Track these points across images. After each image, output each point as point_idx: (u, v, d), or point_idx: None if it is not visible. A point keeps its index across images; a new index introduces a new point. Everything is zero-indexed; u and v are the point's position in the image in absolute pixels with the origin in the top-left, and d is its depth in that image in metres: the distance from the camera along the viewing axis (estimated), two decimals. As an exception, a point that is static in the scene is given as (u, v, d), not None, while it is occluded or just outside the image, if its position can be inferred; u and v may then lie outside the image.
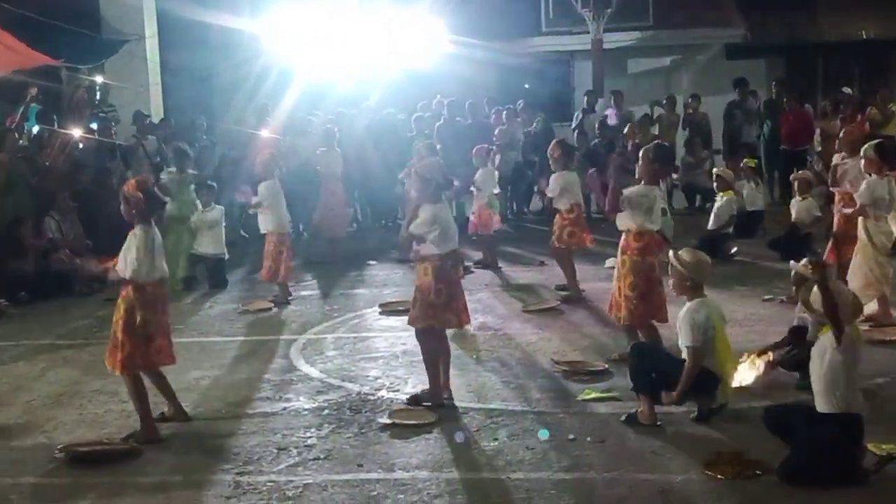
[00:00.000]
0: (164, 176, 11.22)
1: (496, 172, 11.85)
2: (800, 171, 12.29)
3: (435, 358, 6.57)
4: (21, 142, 12.18)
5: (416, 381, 6.97)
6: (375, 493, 5.20)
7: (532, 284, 10.57)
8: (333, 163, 12.76)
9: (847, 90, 16.45)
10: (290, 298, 10.13)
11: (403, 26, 17.49)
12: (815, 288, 5.13)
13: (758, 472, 5.17)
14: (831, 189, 9.15)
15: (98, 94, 15.33)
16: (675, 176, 14.25)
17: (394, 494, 5.17)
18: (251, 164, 11.28)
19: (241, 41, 17.39)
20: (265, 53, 16.89)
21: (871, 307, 8.10)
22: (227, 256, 11.29)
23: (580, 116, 16.68)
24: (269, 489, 5.30)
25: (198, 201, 11.22)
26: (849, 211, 8.62)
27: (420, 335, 6.58)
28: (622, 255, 7.11)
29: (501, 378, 7.16)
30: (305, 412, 6.56)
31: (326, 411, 6.56)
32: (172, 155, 11.88)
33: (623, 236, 7.14)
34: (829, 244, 9.06)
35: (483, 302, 9.80)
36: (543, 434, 5.85)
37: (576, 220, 9.79)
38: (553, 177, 9.86)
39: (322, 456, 5.75)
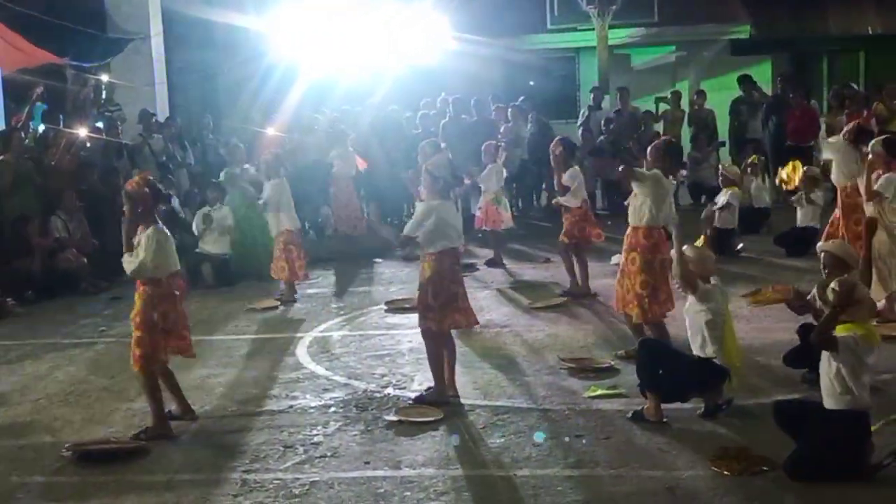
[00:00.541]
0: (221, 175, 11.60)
1: (503, 169, 11.85)
2: (805, 167, 12.25)
3: (437, 356, 6.57)
4: (27, 141, 12.21)
5: (423, 379, 6.98)
6: (382, 490, 5.21)
7: (538, 281, 10.57)
8: (348, 163, 12.83)
9: (853, 86, 16.40)
10: (296, 297, 10.15)
11: (408, 23, 17.49)
12: (833, 284, 5.14)
13: (764, 467, 5.17)
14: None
15: (104, 92, 15.36)
16: (684, 173, 14.21)
17: (400, 492, 5.18)
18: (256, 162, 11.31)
19: (247, 39, 17.39)
20: (270, 51, 16.89)
21: (879, 305, 8.10)
22: (232, 256, 11.30)
23: (586, 113, 16.66)
24: (275, 487, 5.31)
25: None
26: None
27: (423, 333, 6.60)
28: (631, 251, 7.09)
29: (507, 375, 7.16)
30: (312, 410, 6.57)
31: (333, 409, 6.57)
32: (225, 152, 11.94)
33: (631, 233, 7.13)
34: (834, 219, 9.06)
35: (489, 299, 9.81)
36: (539, 437, 5.82)
37: (584, 216, 9.80)
38: (569, 172, 9.83)
39: (329, 453, 5.76)
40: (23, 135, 11.96)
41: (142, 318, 6.11)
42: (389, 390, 6.93)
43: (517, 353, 7.76)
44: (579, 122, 16.42)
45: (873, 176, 8.24)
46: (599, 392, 6.61)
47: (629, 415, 6.06)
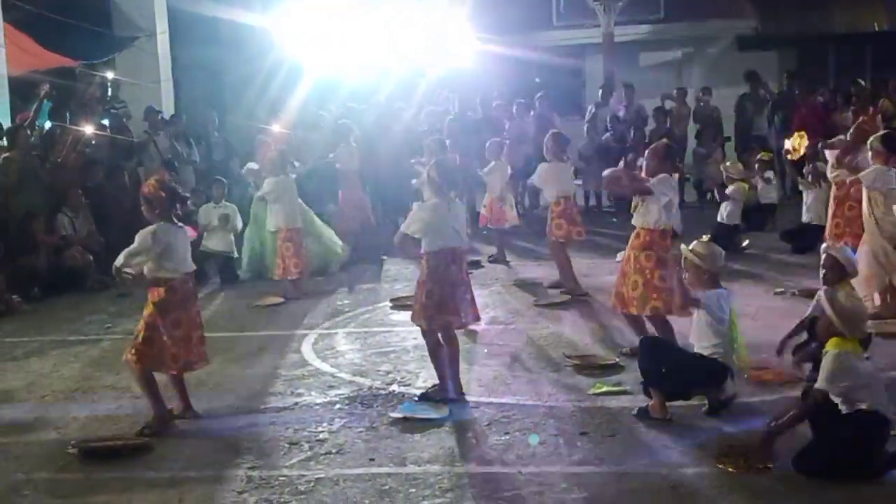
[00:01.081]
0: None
1: (508, 167, 11.84)
2: (812, 164, 12.22)
3: (438, 354, 6.58)
4: (33, 139, 12.23)
5: (427, 376, 6.98)
6: (387, 487, 5.21)
7: (543, 279, 10.56)
8: (351, 157, 12.82)
9: (860, 81, 16.35)
10: (300, 294, 10.15)
11: (413, 21, 17.47)
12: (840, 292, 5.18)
13: (769, 464, 5.16)
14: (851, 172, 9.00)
15: (109, 90, 15.37)
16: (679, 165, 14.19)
17: (405, 488, 5.18)
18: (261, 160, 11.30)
19: (252, 36, 17.38)
20: (276, 49, 16.88)
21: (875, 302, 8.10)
22: (236, 254, 11.30)
23: (593, 110, 16.64)
24: (281, 483, 5.31)
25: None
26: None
27: (424, 332, 6.60)
28: (645, 250, 7.04)
29: (512, 372, 7.16)
30: (317, 407, 6.58)
31: (338, 406, 6.57)
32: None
33: (641, 234, 7.09)
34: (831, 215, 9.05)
35: (494, 296, 9.81)
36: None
37: (563, 213, 9.73)
38: (540, 166, 9.82)
39: (334, 450, 5.77)
40: (29, 132, 11.99)
41: (153, 320, 6.11)
42: (394, 387, 6.94)
43: (522, 351, 7.76)
44: (586, 119, 16.39)
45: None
46: (604, 389, 6.60)
47: (634, 412, 6.06)
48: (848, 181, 8.93)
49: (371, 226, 12.99)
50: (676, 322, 7.00)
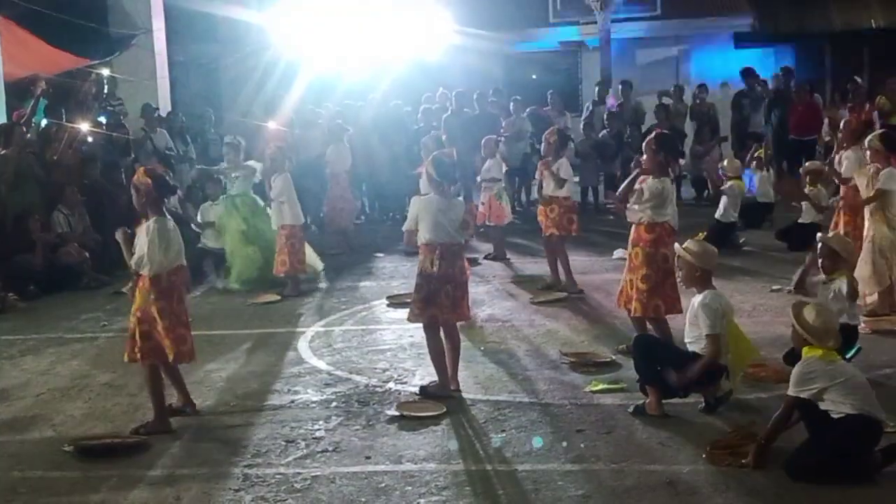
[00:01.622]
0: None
1: (504, 163, 11.83)
2: (809, 161, 12.24)
3: (438, 350, 6.59)
4: (29, 136, 12.21)
5: (424, 373, 6.98)
6: (383, 484, 5.21)
7: (539, 276, 10.55)
8: (342, 158, 12.83)
9: (856, 79, 16.37)
10: (298, 291, 10.15)
11: (410, 18, 17.48)
12: (811, 305, 5.21)
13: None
14: (840, 184, 9.02)
15: (105, 87, 15.36)
16: (681, 162, 14.19)
17: (402, 486, 5.18)
18: (259, 157, 11.28)
19: (249, 33, 17.40)
20: (272, 46, 16.89)
21: (871, 299, 8.11)
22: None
23: (590, 108, 16.64)
24: (277, 481, 5.31)
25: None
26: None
27: (425, 328, 6.61)
28: (634, 246, 7.08)
29: (509, 370, 7.16)
30: (313, 404, 6.57)
31: (334, 403, 6.57)
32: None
33: (634, 228, 7.11)
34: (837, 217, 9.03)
35: (491, 293, 9.81)
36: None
37: (572, 208, 9.77)
38: (561, 162, 9.81)
39: (330, 448, 5.77)
40: (25, 130, 11.97)
41: (143, 313, 6.11)
42: (391, 385, 6.94)
43: (518, 348, 7.76)
44: (583, 117, 16.39)
45: (871, 171, 8.22)
46: (601, 387, 6.61)
47: (630, 409, 6.07)
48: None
49: (356, 224, 13.04)
50: (673, 321, 7.01)
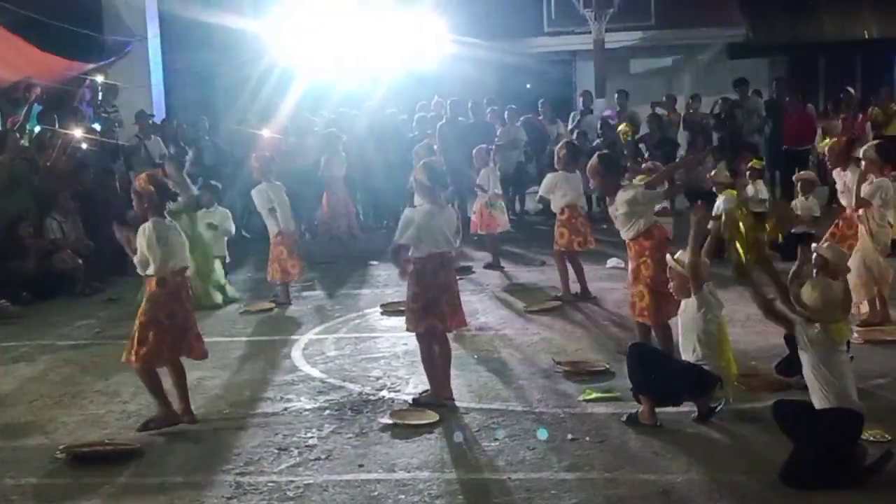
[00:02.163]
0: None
1: (498, 173, 11.84)
2: (802, 171, 12.27)
3: (431, 359, 6.59)
4: (22, 142, 12.21)
5: (418, 382, 6.98)
6: (376, 493, 5.20)
7: (534, 284, 10.57)
8: (337, 167, 12.85)
9: (849, 90, 16.44)
10: (290, 298, 10.13)
11: (405, 26, 17.50)
12: (809, 283, 5.18)
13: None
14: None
15: (100, 94, 15.36)
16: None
17: (395, 495, 5.17)
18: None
19: (244, 41, 17.40)
20: (268, 53, 16.90)
21: (863, 309, 8.13)
22: (227, 259, 11.25)
23: (577, 118, 16.67)
24: (269, 489, 5.30)
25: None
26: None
27: (418, 336, 6.61)
28: (640, 258, 7.03)
29: (502, 378, 7.16)
30: (307, 412, 6.57)
31: (328, 412, 6.57)
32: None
33: (630, 244, 7.09)
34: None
35: (484, 302, 9.81)
36: (542, 434, 5.85)
37: (566, 222, 9.74)
38: (548, 176, 9.83)
39: (323, 456, 5.76)
40: (18, 136, 11.96)
41: (148, 316, 6.14)
42: (384, 393, 6.93)
43: (512, 357, 7.76)
44: (570, 127, 16.38)
45: (865, 182, 8.25)
46: (594, 395, 6.61)
47: (624, 418, 6.07)
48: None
49: (357, 232, 13.03)
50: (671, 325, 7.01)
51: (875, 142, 8.75)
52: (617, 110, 16.63)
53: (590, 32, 18.97)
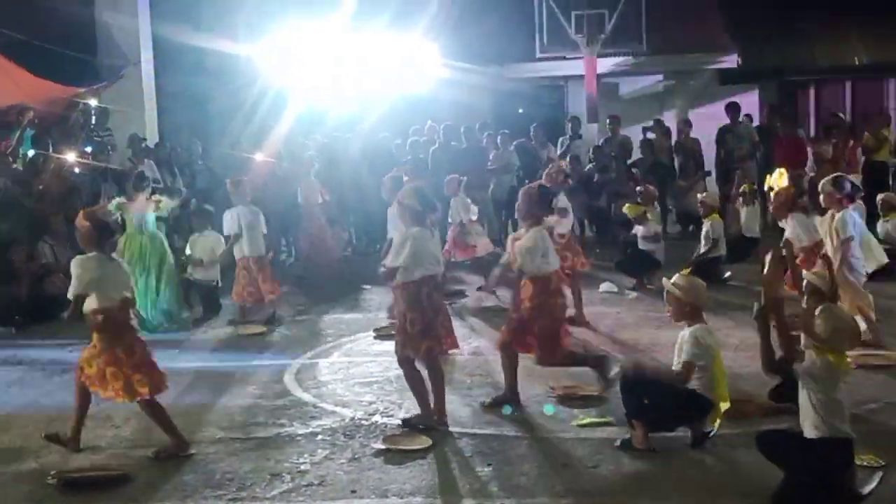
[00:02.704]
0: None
1: (468, 201, 11.87)
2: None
3: (417, 382, 6.59)
4: (15, 166, 12.20)
5: (411, 406, 6.95)
6: (369, 519, 5.18)
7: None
8: (312, 193, 12.93)
9: (839, 115, 16.55)
10: (272, 320, 10.24)
11: (398, 51, 17.58)
12: (818, 311, 5.17)
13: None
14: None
15: (94, 117, 15.37)
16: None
17: (387, 521, 5.15)
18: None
19: (237, 65, 17.46)
20: (261, 77, 16.96)
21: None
22: (220, 284, 11.22)
23: (567, 143, 16.73)
24: (262, 515, 5.28)
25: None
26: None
27: (399, 361, 6.63)
28: (527, 300, 6.95)
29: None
30: (299, 438, 6.54)
31: (320, 437, 6.54)
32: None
33: (523, 281, 7.01)
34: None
35: (478, 325, 9.81)
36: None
37: (568, 246, 9.74)
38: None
39: (315, 482, 5.73)
40: (11, 160, 11.94)
41: (106, 356, 6.14)
42: (377, 418, 6.91)
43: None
44: (559, 152, 16.42)
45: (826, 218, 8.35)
46: (588, 420, 6.60)
47: (617, 443, 6.06)
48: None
49: (337, 256, 13.04)
50: (662, 352, 7.01)
51: (832, 176, 8.85)
52: (608, 136, 16.71)
53: (581, 57, 19.08)
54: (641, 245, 11.68)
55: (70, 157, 12.80)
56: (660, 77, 20.85)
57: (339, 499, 5.47)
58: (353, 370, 8.31)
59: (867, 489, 5.07)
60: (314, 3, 16.93)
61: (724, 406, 6.08)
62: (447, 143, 15.37)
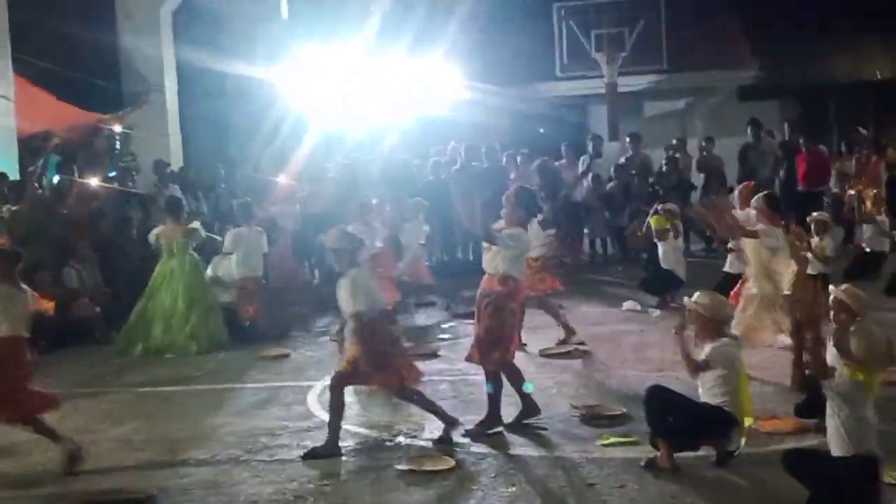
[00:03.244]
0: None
1: (426, 226, 11.90)
2: (816, 213, 12.22)
3: (340, 408, 6.65)
4: (41, 192, 12.32)
5: (434, 426, 6.94)
6: (392, 540, 5.17)
7: (543, 327, 10.51)
8: (290, 218, 13.15)
9: (861, 130, 16.45)
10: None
11: (419, 72, 17.67)
12: (853, 330, 5.13)
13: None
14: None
15: (118, 143, 15.53)
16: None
17: (411, 542, 5.13)
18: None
19: (258, 89, 17.60)
20: (281, 101, 17.09)
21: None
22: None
23: (588, 162, 16.69)
24: (285, 537, 5.27)
25: None
26: None
27: (332, 388, 6.70)
28: (485, 297, 6.96)
29: (518, 423, 7.10)
30: (323, 459, 6.53)
31: (343, 458, 6.53)
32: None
33: (486, 279, 7.02)
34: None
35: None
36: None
37: (543, 268, 9.63)
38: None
39: (339, 503, 5.72)
40: (37, 185, 12.07)
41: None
42: (400, 439, 6.90)
43: (528, 401, 7.70)
44: (581, 171, 16.38)
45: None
46: (612, 440, 6.56)
47: (642, 463, 6.02)
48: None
49: (298, 284, 13.09)
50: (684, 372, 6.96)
51: (764, 193, 8.84)
52: (629, 154, 16.68)
53: (602, 76, 19.10)
54: (663, 263, 11.63)
55: (95, 182, 12.93)
56: (680, 94, 20.83)
57: (362, 520, 5.46)
58: (376, 391, 8.28)
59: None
60: (335, 27, 17.08)
61: (749, 422, 6.04)
62: (468, 163, 15.39)
